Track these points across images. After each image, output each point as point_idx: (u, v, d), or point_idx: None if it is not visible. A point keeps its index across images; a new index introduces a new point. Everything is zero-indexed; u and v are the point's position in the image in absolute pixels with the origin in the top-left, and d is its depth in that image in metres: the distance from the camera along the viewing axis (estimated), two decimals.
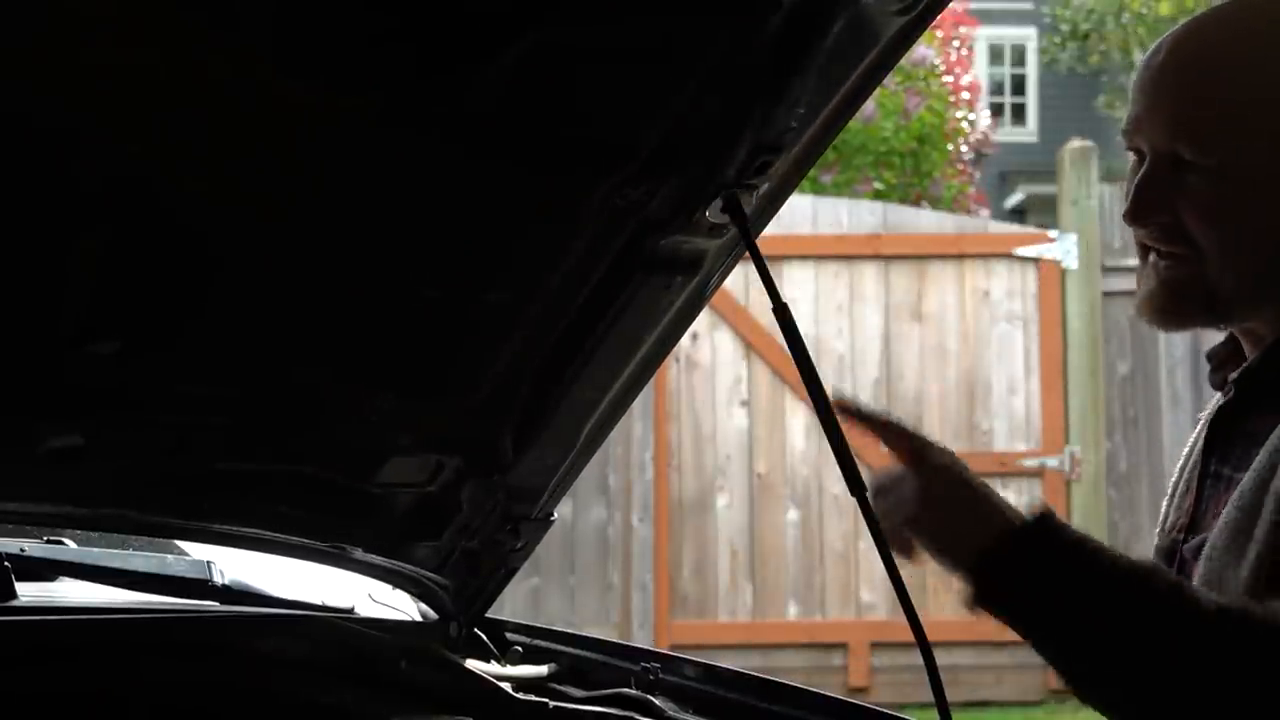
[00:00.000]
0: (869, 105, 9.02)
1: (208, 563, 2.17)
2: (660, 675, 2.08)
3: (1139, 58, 15.76)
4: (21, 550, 2.08)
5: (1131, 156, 1.64)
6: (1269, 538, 1.48)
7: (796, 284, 7.69)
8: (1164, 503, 1.78)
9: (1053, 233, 8.06)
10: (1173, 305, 1.63)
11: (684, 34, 1.52)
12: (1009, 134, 18.71)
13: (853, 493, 1.59)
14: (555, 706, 2.07)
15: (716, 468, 7.81)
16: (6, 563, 1.97)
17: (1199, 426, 1.73)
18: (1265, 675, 1.41)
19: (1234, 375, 1.66)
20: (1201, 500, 1.65)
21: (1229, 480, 1.61)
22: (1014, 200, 18.50)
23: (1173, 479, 1.77)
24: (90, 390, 1.71)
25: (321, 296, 1.73)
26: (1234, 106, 1.55)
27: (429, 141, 1.56)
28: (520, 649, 2.21)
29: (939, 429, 7.74)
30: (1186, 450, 1.76)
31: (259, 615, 2.14)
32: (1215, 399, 1.72)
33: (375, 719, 2.02)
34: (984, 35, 16.92)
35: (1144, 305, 1.65)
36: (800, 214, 7.82)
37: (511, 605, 6.96)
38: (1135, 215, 1.61)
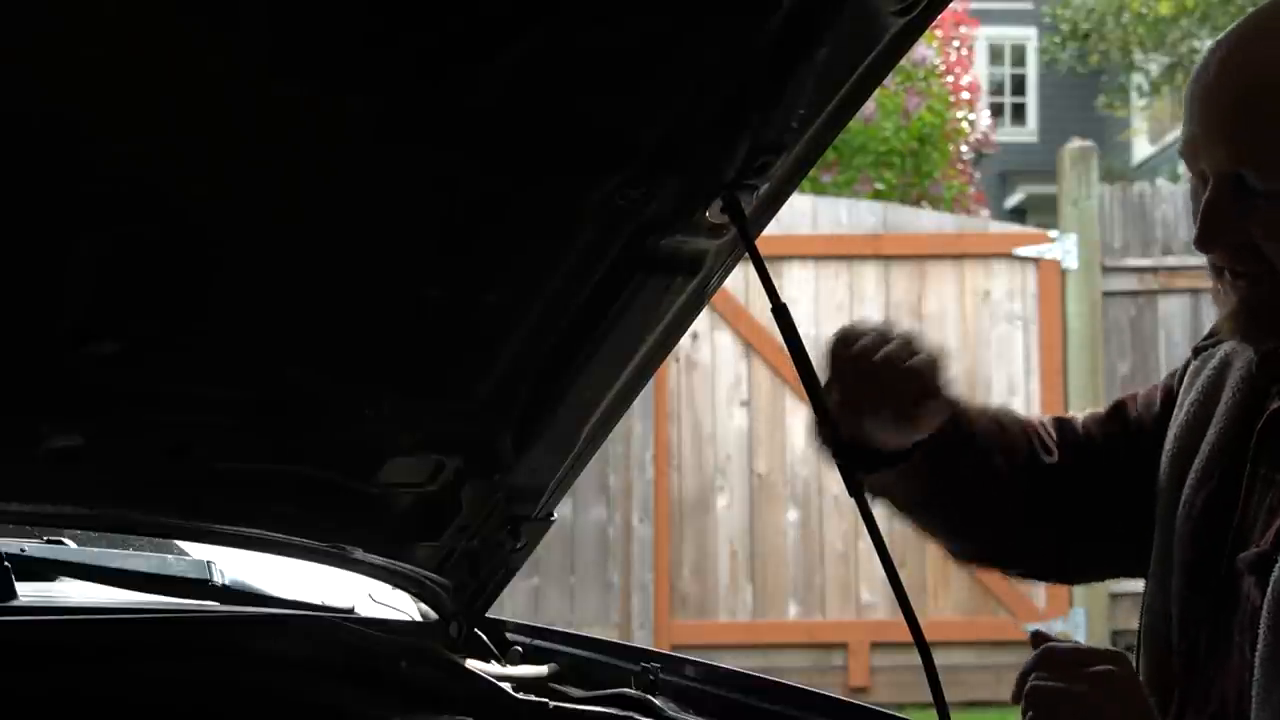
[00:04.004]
0: (869, 105, 9.01)
1: (208, 563, 2.17)
2: (660, 675, 2.08)
3: (1139, 58, 15.77)
4: (21, 550, 2.08)
5: (1191, 177, 1.58)
6: None
7: (796, 284, 7.69)
8: (1161, 472, 1.71)
9: (1053, 233, 8.06)
10: (1255, 324, 1.58)
11: (684, 34, 1.52)
12: (1009, 134, 18.70)
13: (851, 493, 1.59)
14: (555, 706, 2.07)
15: (716, 468, 7.81)
16: (6, 563, 1.97)
17: (1221, 417, 1.67)
18: None
19: None
20: (1250, 508, 1.59)
21: None
22: (1014, 200, 18.51)
23: (1165, 456, 1.72)
24: (90, 390, 1.71)
25: (322, 296, 1.73)
26: None
27: (428, 142, 1.56)
28: (520, 649, 2.21)
29: None
30: (1180, 422, 1.71)
31: (259, 615, 2.14)
32: (1230, 385, 1.67)
33: (375, 719, 2.02)
34: (984, 35, 16.90)
35: (1228, 325, 1.61)
36: (800, 214, 7.82)
37: (511, 605, 6.95)
38: (1204, 241, 1.55)
